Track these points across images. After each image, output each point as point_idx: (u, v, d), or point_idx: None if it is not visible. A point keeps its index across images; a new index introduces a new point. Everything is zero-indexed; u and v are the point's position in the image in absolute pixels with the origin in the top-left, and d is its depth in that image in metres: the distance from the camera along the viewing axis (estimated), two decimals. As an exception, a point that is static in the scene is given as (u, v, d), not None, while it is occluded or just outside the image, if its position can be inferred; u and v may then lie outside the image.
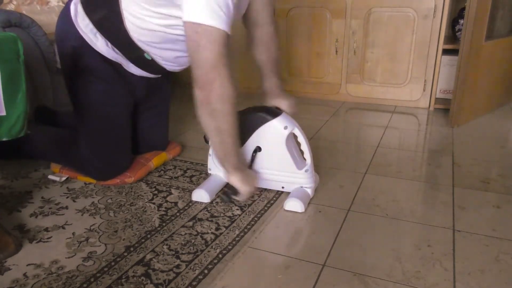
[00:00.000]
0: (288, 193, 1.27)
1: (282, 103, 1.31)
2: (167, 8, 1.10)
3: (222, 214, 1.20)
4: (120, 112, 1.36)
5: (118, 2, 1.16)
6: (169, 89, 1.55)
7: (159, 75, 1.40)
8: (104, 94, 1.31)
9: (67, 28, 1.27)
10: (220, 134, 1.10)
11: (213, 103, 1.05)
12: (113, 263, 0.98)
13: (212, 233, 1.11)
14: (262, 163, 1.28)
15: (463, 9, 2.00)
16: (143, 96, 1.44)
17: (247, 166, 1.24)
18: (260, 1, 1.28)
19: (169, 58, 1.28)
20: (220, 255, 1.01)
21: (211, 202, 1.26)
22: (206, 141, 1.33)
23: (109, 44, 1.24)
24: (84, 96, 1.32)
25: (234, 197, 1.18)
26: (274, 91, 1.34)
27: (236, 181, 1.15)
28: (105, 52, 1.26)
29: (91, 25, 1.23)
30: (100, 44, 1.25)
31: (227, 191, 1.19)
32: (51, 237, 1.09)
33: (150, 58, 1.26)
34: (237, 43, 2.40)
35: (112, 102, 1.33)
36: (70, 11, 1.26)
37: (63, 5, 1.86)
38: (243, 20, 1.33)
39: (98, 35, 1.24)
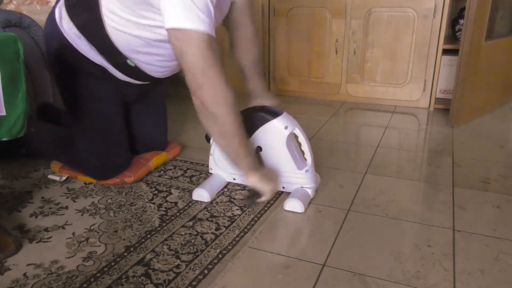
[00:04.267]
0: (289, 193, 1.27)
1: (266, 103, 1.32)
2: (148, 13, 1.10)
3: (222, 214, 1.20)
4: (111, 110, 1.36)
5: (99, 8, 1.16)
6: (164, 88, 1.55)
7: (146, 82, 1.37)
8: (93, 92, 1.31)
9: (53, 30, 1.27)
10: (225, 137, 1.10)
11: (209, 107, 1.04)
12: (113, 263, 0.98)
13: (212, 233, 1.11)
14: (264, 161, 1.28)
15: (463, 9, 2.00)
16: (134, 97, 1.44)
17: (263, 166, 1.23)
18: (241, 2, 1.29)
19: (152, 63, 1.26)
20: (220, 255, 1.01)
21: (211, 202, 1.26)
22: (208, 140, 1.33)
23: (93, 47, 1.24)
24: (73, 95, 1.32)
25: (257, 199, 1.16)
26: (257, 92, 1.35)
27: (256, 182, 1.14)
28: (90, 55, 1.25)
29: (75, 29, 1.23)
30: (85, 47, 1.24)
31: (249, 194, 1.17)
32: (51, 237, 1.09)
33: (134, 65, 1.25)
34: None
35: (102, 99, 1.33)
36: (55, 14, 1.27)
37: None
38: (223, 21, 1.33)
39: (83, 39, 1.23)
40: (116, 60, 1.25)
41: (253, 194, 1.16)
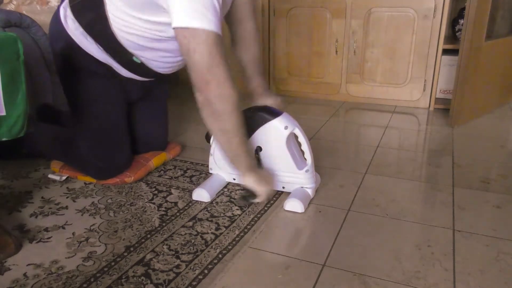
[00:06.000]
0: (289, 193, 1.27)
1: (268, 102, 1.32)
2: (156, 16, 1.11)
3: (222, 214, 1.20)
4: (114, 109, 1.36)
5: (103, 6, 1.17)
6: (166, 87, 1.55)
7: (152, 79, 1.38)
8: (97, 91, 1.32)
9: (58, 30, 1.28)
10: (225, 135, 1.10)
11: (213, 104, 1.05)
12: (113, 263, 0.98)
13: (212, 233, 1.11)
14: (263, 163, 1.28)
15: (463, 9, 2.00)
16: (138, 96, 1.44)
17: (260, 168, 1.24)
18: None
19: (157, 59, 1.27)
20: (220, 255, 1.01)
21: (211, 202, 1.26)
22: (208, 140, 1.33)
23: (99, 46, 1.24)
24: (77, 94, 1.33)
25: (252, 200, 1.17)
26: (259, 91, 1.35)
27: (251, 182, 1.15)
28: (96, 54, 1.26)
29: (81, 29, 1.23)
30: (91, 46, 1.25)
31: (245, 195, 1.18)
32: (51, 237, 1.09)
33: (139, 62, 1.26)
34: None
35: (105, 99, 1.33)
36: (59, 14, 1.28)
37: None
38: (224, 17, 1.33)
39: (89, 38, 1.24)
40: (122, 58, 1.26)
41: (249, 194, 1.17)
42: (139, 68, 1.29)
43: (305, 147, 1.26)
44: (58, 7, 1.30)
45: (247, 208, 1.23)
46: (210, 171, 1.38)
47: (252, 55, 1.35)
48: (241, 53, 1.35)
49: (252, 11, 1.34)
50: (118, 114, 1.38)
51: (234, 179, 1.35)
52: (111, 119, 1.36)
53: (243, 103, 1.30)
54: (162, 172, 1.47)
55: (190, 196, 1.29)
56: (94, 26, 1.22)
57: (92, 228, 1.13)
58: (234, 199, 1.28)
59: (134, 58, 1.25)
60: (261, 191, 1.16)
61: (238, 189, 1.33)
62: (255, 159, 1.22)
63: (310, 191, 1.26)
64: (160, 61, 1.28)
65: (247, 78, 1.36)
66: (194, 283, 0.92)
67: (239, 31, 1.34)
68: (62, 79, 1.37)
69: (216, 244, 1.06)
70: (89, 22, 1.22)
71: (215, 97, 1.05)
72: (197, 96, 1.07)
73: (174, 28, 1.03)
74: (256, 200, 1.18)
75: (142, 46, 1.21)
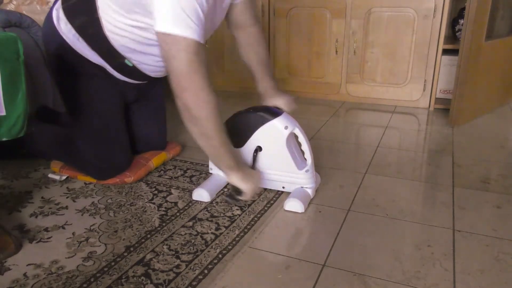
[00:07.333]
0: (289, 193, 1.27)
1: (279, 102, 1.32)
2: (141, 16, 1.11)
3: (222, 214, 1.20)
4: (111, 109, 1.36)
5: (96, 9, 1.17)
6: (162, 88, 1.55)
7: (145, 81, 1.39)
8: (93, 91, 1.32)
9: (51, 31, 1.28)
10: (206, 139, 1.12)
11: (191, 110, 1.06)
12: (113, 263, 0.98)
13: (212, 233, 1.11)
14: (263, 163, 1.28)
15: (463, 9, 2.00)
16: (134, 97, 1.44)
17: (248, 166, 1.24)
18: (241, 3, 1.29)
19: (149, 63, 1.27)
20: (220, 255, 1.01)
21: (211, 202, 1.26)
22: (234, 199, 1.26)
23: (92, 48, 1.25)
24: (74, 96, 1.33)
25: (238, 197, 1.18)
26: (269, 91, 1.35)
27: (236, 181, 1.16)
28: (89, 56, 1.27)
29: (73, 31, 1.24)
30: (83, 48, 1.25)
31: (231, 192, 1.19)
32: (51, 237, 1.09)
33: (131, 65, 1.27)
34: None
35: (102, 99, 1.34)
36: (52, 16, 1.28)
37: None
38: (227, 24, 1.34)
39: (81, 40, 1.24)
40: (114, 60, 1.26)
41: (235, 192, 1.18)
42: (131, 71, 1.29)
43: (305, 147, 1.26)
44: (51, 8, 1.31)
45: (235, 205, 1.23)
46: (210, 171, 1.38)
47: (259, 58, 1.35)
48: (248, 57, 1.35)
49: (254, 15, 1.34)
50: (116, 114, 1.38)
51: (234, 179, 1.35)
52: (109, 119, 1.36)
53: (249, 103, 1.30)
54: (162, 172, 1.47)
55: (190, 196, 1.29)
56: (87, 29, 1.22)
57: (92, 228, 1.13)
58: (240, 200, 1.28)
59: (126, 61, 1.25)
60: (246, 188, 1.16)
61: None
62: (242, 159, 1.22)
63: (310, 191, 1.26)
64: (152, 64, 1.28)
65: (256, 80, 1.36)
66: (194, 283, 0.92)
67: (243, 37, 1.34)
68: (58, 80, 1.37)
69: (216, 244, 1.06)
70: (81, 25, 1.23)
71: (192, 104, 1.05)
72: (177, 102, 1.07)
73: (156, 32, 1.03)
74: (242, 198, 1.19)
75: (134, 50, 1.21)
